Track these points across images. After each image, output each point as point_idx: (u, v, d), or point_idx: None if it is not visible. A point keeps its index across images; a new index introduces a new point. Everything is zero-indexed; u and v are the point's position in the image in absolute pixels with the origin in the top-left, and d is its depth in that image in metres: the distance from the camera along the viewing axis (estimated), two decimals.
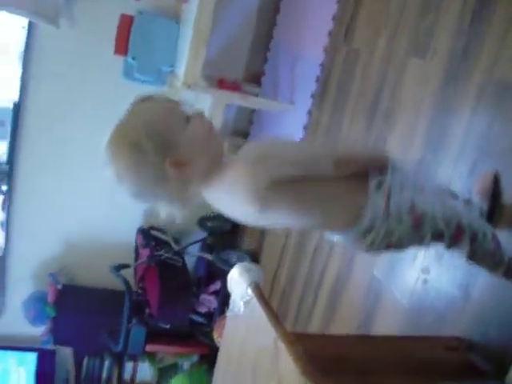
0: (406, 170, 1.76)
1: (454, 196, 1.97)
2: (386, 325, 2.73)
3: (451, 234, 1.65)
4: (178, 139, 1.46)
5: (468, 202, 2.03)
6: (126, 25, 4.18)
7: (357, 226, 1.55)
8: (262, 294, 1.52)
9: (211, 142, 1.54)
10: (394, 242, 1.60)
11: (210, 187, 1.55)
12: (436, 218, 1.61)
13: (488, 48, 2.35)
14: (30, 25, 4.26)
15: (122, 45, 4.19)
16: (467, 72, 2.44)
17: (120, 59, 4.28)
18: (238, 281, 1.59)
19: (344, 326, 3.10)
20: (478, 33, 2.42)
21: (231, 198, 1.53)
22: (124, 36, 4.18)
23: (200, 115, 1.54)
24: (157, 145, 1.43)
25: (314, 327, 3.38)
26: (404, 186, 1.60)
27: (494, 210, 2.10)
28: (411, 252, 2.58)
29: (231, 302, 1.66)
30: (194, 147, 1.49)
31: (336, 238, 1.67)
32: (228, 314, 1.71)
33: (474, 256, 1.76)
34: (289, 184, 1.46)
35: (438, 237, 1.64)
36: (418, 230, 1.60)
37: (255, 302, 1.49)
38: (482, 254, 1.78)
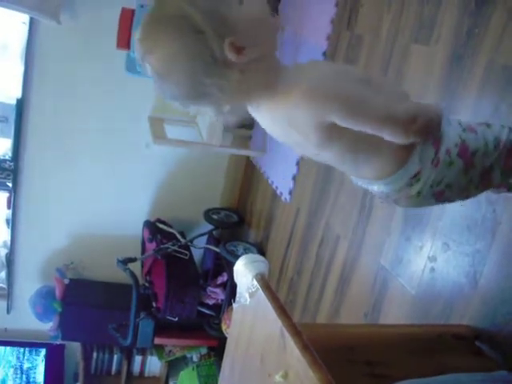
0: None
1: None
2: (393, 313, 2.72)
3: (504, 160, 1.51)
4: (233, 17, 1.25)
5: None
6: (127, 19, 4.16)
7: (403, 171, 1.42)
8: (268, 284, 1.51)
9: (270, 31, 1.36)
10: (441, 191, 1.48)
11: (262, 100, 1.36)
12: (488, 145, 1.48)
13: (493, 31, 2.33)
14: (31, 21, 4.26)
15: (124, 39, 4.18)
16: (472, 56, 2.42)
17: (122, 53, 4.28)
18: (243, 272, 1.57)
19: (352, 314, 3.10)
20: (482, 15, 2.40)
21: (288, 122, 1.35)
22: (126, 30, 4.17)
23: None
24: (213, 21, 1.22)
25: (323, 315, 3.38)
26: (451, 125, 1.49)
27: None
28: (418, 241, 2.58)
29: (238, 293, 1.65)
30: (253, 32, 1.29)
31: (377, 187, 1.51)
32: (235, 305, 1.70)
33: None
34: (352, 131, 1.31)
35: (487, 173, 1.50)
36: (469, 171, 1.47)
37: (261, 293, 1.48)
38: None
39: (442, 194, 1.50)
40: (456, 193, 1.52)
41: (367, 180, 1.51)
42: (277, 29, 1.37)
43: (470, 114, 2.40)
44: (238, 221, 4.97)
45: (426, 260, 2.50)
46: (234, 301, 1.70)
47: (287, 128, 1.37)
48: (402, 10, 3.01)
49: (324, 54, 3.76)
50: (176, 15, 1.22)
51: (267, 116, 1.39)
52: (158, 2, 1.27)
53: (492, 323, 2.12)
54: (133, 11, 4.16)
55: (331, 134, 1.33)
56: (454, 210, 2.33)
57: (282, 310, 1.40)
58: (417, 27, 2.87)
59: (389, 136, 1.32)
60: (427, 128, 1.35)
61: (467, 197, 1.57)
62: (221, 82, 1.27)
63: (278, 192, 4.23)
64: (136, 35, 1.29)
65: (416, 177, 1.43)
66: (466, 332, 2.13)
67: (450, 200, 1.55)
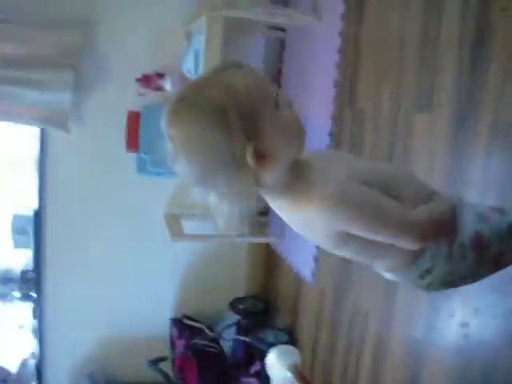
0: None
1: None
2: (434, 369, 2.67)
3: None
4: (265, 123, 1.25)
5: None
6: (133, 121, 4.26)
7: (414, 267, 1.45)
8: (303, 374, 1.50)
9: (298, 141, 1.34)
10: (453, 281, 1.51)
11: (282, 199, 1.37)
12: (501, 233, 1.47)
13: (492, 89, 2.35)
14: (42, 131, 4.36)
15: (133, 141, 4.26)
16: (475, 117, 2.44)
17: (132, 155, 4.35)
18: (276, 364, 1.56)
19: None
20: (479, 74, 2.43)
21: (304, 223, 1.38)
22: (133, 132, 4.25)
23: (290, 105, 1.33)
24: (245, 120, 1.21)
25: None
26: (466, 217, 1.48)
27: None
28: (447, 309, 2.55)
29: (271, 380, 1.64)
30: (281, 140, 1.28)
31: (391, 276, 1.56)
32: None
33: None
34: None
35: (500, 259, 1.50)
36: (483, 260, 1.47)
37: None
38: None
39: (453, 284, 1.53)
40: (468, 280, 1.54)
41: (380, 270, 1.54)
42: (305, 135, 1.35)
43: (479, 177, 2.40)
44: (264, 308, 4.93)
45: (459, 327, 2.47)
46: None
47: (303, 227, 1.40)
48: (399, 81, 3.06)
49: (330, 134, 3.80)
50: (215, 104, 1.21)
51: (284, 210, 1.41)
52: (199, 87, 1.26)
53: None
54: (138, 114, 4.25)
55: (346, 239, 1.35)
56: None
57: None
58: (417, 95, 2.91)
59: (399, 242, 1.36)
60: (439, 233, 1.39)
61: (480, 279, 1.56)
62: (232, 182, 1.27)
63: (301, 274, 4.21)
64: (167, 106, 1.27)
65: (427, 272, 1.46)
66: None
67: (461, 286, 1.56)
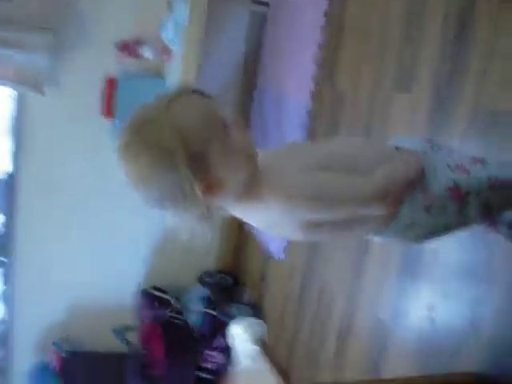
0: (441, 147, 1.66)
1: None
2: (396, 366, 2.69)
3: (495, 193, 1.51)
4: (215, 156, 1.28)
5: None
6: (110, 87, 4.21)
7: (395, 222, 1.46)
8: (268, 348, 1.49)
9: (250, 163, 1.36)
10: (442, 231, 1.52)
11: (243, 206, 1.40)
12: (482, 185, 1.48)
13: (473, 75, 2.36)
14: (18, 94, 4.30)
15: (109, 107, 4.22)
16: (454, 102, 2.44)
17: (108, 122, 4.31)
18: (241, 337, 1.56)
19: (354, 369, 3.06)
20: (460, 60, 2.43)
21: (268, 223, 1.43)
22: (109, 98, 4.21)
23: (238, 124, 1.37)
24: (193, 159, 1.24)
25: (324, 373, 3.33)
26: (441, 168, 1.50)
27: None
28: (415, 292, 2.56)
29: (236, 358, 1.63)
30: (231, 165, 1.31)
31: (380, 239, 1.59)
32: (234, 370, 1.68)
33: None
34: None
35: (484, 209, 1.51)
36: (465, 209, 1.48)
37: (260, 357, 1.46)
38: None
39: (442, 233, 1.54)
40: (455, 228, 1.54)
41: (367, 236, 1.54)
42: (256, 155, 1.37)
43: None
44: (232, 282, 4.94)
45: (425, 310, 2.48)
46: (233, 364, 1.68)
47: (270, 227, 1.45)
48: (380, 61, 3.05)
49: (307, 110, 3.79)
50: (163, 146, 1.23)
51: (245, 216, 1.44)
52: (150, 126, 1.26)
53: (497, 369, 2.10)
54: (115, 79, 4.21)
55: (314, 226, 1.38)
56: (450, 258, 2.32)
57: (284, 374, 1.38)
58: (397, 76, 2.90)
59: (371, 212, 1.40)
60: (402, 192, 1.42)
61: (469, 227, 1.57)
62: (187, 211, 1.31)
63: (271, 251, 4.21)
64: (120, 137, 1.29)
65: (412, 224, 1.47)
66: (471, 380, 2.11)
67: (454, 233, 1.56)
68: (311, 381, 3.46)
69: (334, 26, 3.59)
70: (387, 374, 2.72)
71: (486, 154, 2.22)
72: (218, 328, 4.58)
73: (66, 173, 4.57)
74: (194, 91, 1.35)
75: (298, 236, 1.44)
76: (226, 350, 4.31)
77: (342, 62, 3.48)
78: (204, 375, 4.50)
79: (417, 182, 1.45)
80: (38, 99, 4.23)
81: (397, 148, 1.56)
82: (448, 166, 1.52)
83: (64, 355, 4.71)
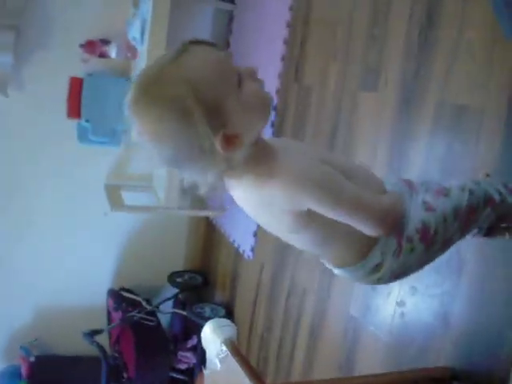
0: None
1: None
2: (368, 362, 2.69)
3: (461, 224, 1.53)
4: (230, 107, 1.22)
5: None
6: (76, 87, 4.17)
7: (363, 263, 1.45)
8: (237, 349, 1.47)
9: (265, 111, 1.32)
10: (402, 272, 1.51)
11: (246, 174, 1.32)
12: (447, 219, 1.49)
13: (438, 71, 2.38)
14: None
15: (74, 108, 4.18)
16: (420, 98, 2.46)
17: (74, 123, 4.26)
18: (211, 338, 1.54)
19: (326, 367, 3.06)
20: (426, 56, 2.45)
21: (263, 203, 1.36)
22: (75, 99, 4.17)
23: (252, 74, 1.30)
24: (208, 112, 1.17)
25: (297, 371, 3.33)
26: (415, 209, 1.50)
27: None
28: (385, 288, 2.56)
29: (207, 359, 1.61)
30: (248, 117, 1.25)
31: (338, 272, 1.55)
32: (205, 371, 1.65)
33: (498, 220, 1.67)
34: (323, 219, 1.34)
35: (448, 241, 1.53)
36: (431, 249, 1.49)
37: (231, 358, 1.44)
38: (504, 214, 1.66)
39: (403, 274, 1.53)
40: (417, 268, 1.54)
41: (329, 264, 1.53)
42: (271, 101, 1.34)
43: (423, 156, 2.42)
44: (202, 282, 4.92)
45: (395, 306, 2.49)
46: (205, 365, 1.66)
47: (262, 208, 1.38)
48: (347, 59, 3.06)
49: (275, 108, 3.78)
50: (177, 103, 1.16)
51: (242, 194, 1.38)
52: (159, 79, 1.19)
53: (468, 362, 2.11)
54: (81, 80, 4.16)
55: (305, 219, 1.34)
56: None
57: (254, 374, 1.36)
58: (363, 74, 2.91)
59: (361, 225, 1.35)
60: (396, 224, 1.41)
61: (430, 263, 1.58)
62: (204, 170, 1.25)
63: (241, 250, 4.20)
64: (129, 94, 1.22)
65: (377, 267, 1.46)
66: (442, 374, 2.12)
67: (411, 274, 1.56)
68: (284, 380, 3.46)
69: (300, 21, 3.59)
70: (360, 370, 2.72)
71: (449, 154, 2.24)
72: (190, 328, 4.57)
73: (31, 175, 4.52)
74: (204, 42, 1.28)
75: (283, 227, 1.39)
76: (200, 351, 4.30)
77: (308, 58, 3.47)
78: (178, 376, 4.48)
79: (400, 221, 1.45)
80: (1, 101, 4.17)
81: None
82: (423, 203, 1.53)
83: (32, 359, 4.65)
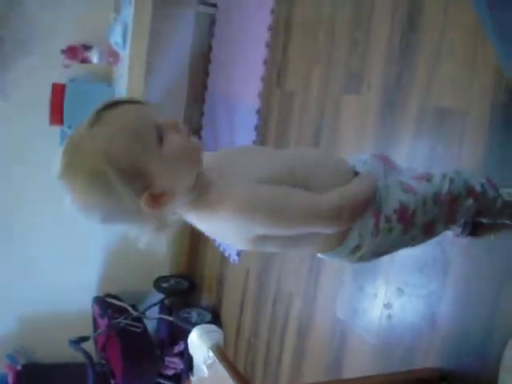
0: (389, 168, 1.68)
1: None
2: (355, 365, 2.69)
3: (445, 212, 1.55)
4: (153, 167, 1.21)
5: None
6: (58, 94, 4.13)
7: (342, 247, 1.46)
8: (225, 354, 1.46)
9: (194, 163, 1.29)
10: (383, 252, 1.54)
11: (192, 212, 1.34)
12: (427, 203, 1.51)
13: (421, 74, 2.39)
14: None
15: (57, 114, 4.15)
16: (403, 101, 2.47)
17: (57, 129, 4.23)
18: (198, 344, 1.53)
19: (314, 370, 3.05)
20: (408, 59, 2.46)
21: (216, 233, 1.41)
22: (57, 105, 4.13)
23: (174, 125, 1.27)
24: (128, 179, 1.18)
25: (285, 375, 3.33)
26: (393, 189, 1.51)
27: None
28: (371, 290, 2.56)
29: (194, 365, 1.60)
30: (173, 172, 1.24)
31: (322, 256, 1.57)
32: (193, 378, 1.64)
33: (479, 214, 1.69)
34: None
35: (429, 226, 1.54)
36: (410, 231, 1.50)
37: (218, 364, 1.43)
38: (486, 208, 1.68)
39: (384, 253, 1.56)
40: (398, 248, 1.57)
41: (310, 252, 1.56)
42: (200, 152, 1.31)
43: (407, 158, 2.42)
44: (189, 287, 4.90)
45: (382, 308, 2.49)
46: (192, 372, 1.65)
47: (219, 235, 1.43)
48: (329, 63, 3.06)
49: (257, 112, 3.78)
50: (96, 173, 1.17)
51: (195, 222, 1.38)
52: (78, 150, 1.21)
53: (456, 363, 2.11)
54: (63, 86, 4.14)
55: (263, 240, 1.35)
56: (405, 255, 2.32)
57: (242, 380, 1.35)
58: (346, 78, 2.91)
59: (318, 230, 1.38)
60: (356, 214, 1.41)
61: (412, 246, 1.60)
62: (138, 221, 1.26)
63: (226, 254, 4.20)
64: (58, 161, 1.24)
65: (357, 248, 1.48)
66: (431, 375, 2.12)
67: (394, 252, 1.59)
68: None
69: (282, 25, 3.59)
70: (348, 373, 2.72)
71: (432, 157, 2.25)
72: (177, 334, 4.56)
73: (15, 181, 4.49)
74: (120, 102, 1.25)
75: (246, 247, 1.41)
76: (187, 357, 4.28)
77: (290, 62, 3.48)
78: (165, 382, 4.47)
79: (370, 204, 1.45)
80: None
81: (354, 169, 1.55)
82: (401, 184, 1.54)
83: (19, 368, 4.62)
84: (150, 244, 1.29)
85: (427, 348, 2.24)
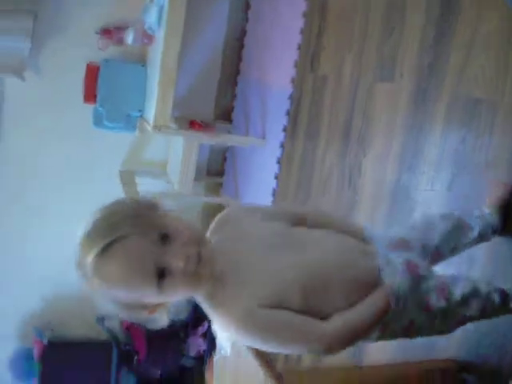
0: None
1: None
2: (376, 354, 2.69)
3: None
4: (148, 299, 1.31)
5: (481, 217, 1.98)
6: (92, 73, 4.18)
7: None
8: None
9: (193, 288, 1.35)
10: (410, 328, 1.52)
11: (202, 303, 1.43)
12: (437, 319, 1.54)
13: (454, 64, 2.37)
14: None
15: (90, 93, 4.19)
16: (435, 90, 2.46)
17: (90, 108, 4.27)
18: None
19: (335, 357, 3.05)
20: (442, 49, 2.45)
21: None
22: (91, 85, 4.18)
23: (179, 235, 1.29)
24: (128, 309, 1.33)
25: (306, 359, 3.33)
26: (407, 305, 1.48)
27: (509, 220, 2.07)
28: None
29: (218, 345, 1.63)
30: (171, 296, 1.34)
31: None
32: (216, 356, 1.67)
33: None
34: None
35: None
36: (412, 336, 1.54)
37: (241, 344, 1.45)
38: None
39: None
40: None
41: None
42: (201, 278, 1.33)
43: (437, 148, 2.42)
44: None
45: None
46: (215, 351, 1.68)
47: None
48: (363, 50, 3.05)
49: (290, 97, 3.78)
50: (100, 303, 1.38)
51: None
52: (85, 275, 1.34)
53: (476, 355, 2.11)
54: (98, 66, 4.18)
55: None
56: None
57: (264, 359, 1.37)
58: (379, 65, 2.90)
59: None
60: (355, 341, 1.41)
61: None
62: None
63: None
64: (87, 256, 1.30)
65: None
66: (450, 365, 2.13)
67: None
68: (294, 366, 3.46)
69: (317, 12, 3.58)
70: (367, 362, 2.72)
71: (462, 147, 2.24)
72: (202, 315, 4.58)
73: (45, 158, 4.53)
74: (130, 231, 1.26)
75: None
76: (211, 338, 4.31)
77: (324, 48, 3.47)
78: (188, 362, 4.50)
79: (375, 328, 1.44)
80: (17, 84, 4.19)
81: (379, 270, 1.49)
82: (420, 304, 1.51)
83: (45, 342, 4.69)
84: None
85: (447, 340, 2.23)
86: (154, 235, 1.25)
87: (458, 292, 1.56)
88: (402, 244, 1.59)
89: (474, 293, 1.60)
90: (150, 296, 1.27)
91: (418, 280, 1.50)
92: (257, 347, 1.35)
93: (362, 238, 1.57)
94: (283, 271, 1.37)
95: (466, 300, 1.57)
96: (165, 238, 1.26)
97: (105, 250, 1.24)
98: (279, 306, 1.32)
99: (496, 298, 1.65)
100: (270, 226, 1.48)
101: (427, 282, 1.52)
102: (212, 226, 1.52)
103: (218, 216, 1.55)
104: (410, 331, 1.51)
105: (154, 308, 1.33)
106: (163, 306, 1.34)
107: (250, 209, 1.58)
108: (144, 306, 1.31)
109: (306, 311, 1.34)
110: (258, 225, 1.49)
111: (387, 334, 1.47)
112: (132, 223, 1.25)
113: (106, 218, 1.30)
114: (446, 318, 1.56)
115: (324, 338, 1.34)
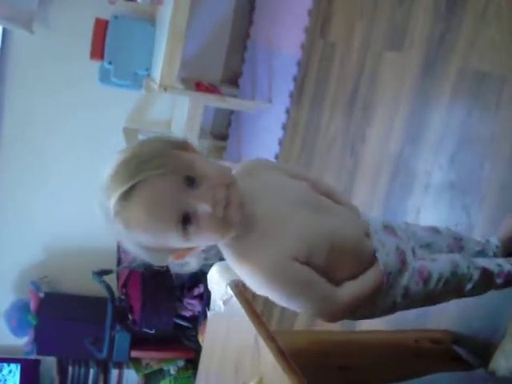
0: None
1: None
2: (369, 325, 2.70)
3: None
4: (174, 244, 1.25)
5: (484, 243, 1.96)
6: (101, 29, 4.15)
7: None
8: (242, 291, 1.49)
9: (221, 234, 1.27)
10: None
11: (224, 248, 1.37)
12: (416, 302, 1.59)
13: (464, 36, 2.36)
14: (4, 31, 4.23)
15: (98, 49, 4.17)
16: (444, 62, 2.44)
17: (96, 64, 4.25)
18: (217, 279, 1.56)
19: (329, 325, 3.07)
20: (453, 20, 2.43)
21: (239, 273, 1.39)
22: (99, 40, 4.15)
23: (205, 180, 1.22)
24: (152, 252, 1.27)
25: (300, 324, 3.35)
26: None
27: None
28: None
29: (212, 300, 1.64)
30: (198, 242, 1.27)
31: None
32: (209, 313, 1.68)
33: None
34: None
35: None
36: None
37: (235, 300, 1.46)
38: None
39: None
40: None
41: None
42: (231, 224, 1.26)
43: (443, 120, 2.41)
44: None
45: None
46: (209, 307, 1.69)
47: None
48: (373, 18, 3.03)
49: (298, 62, 3.76)
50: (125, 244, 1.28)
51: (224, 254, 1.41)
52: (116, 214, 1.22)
53: (469, 328, 2.12)
54: (106, 22, 4.15)
55: None
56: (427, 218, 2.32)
57: (256, 316, 1.38)
58: (389, 34, 2.89)
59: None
60: (356, 310, 1.46)
61: None
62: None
63: None
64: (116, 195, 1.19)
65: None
66: (443, 337, 2.14)
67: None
68: (287, 327, 3.49)
69: None
70: (359, 328, 2.73)
71: (469, 120, 2.24)
72: (198, 276, 4.61)
73: (50, 113, 4.53)
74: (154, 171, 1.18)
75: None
76: (206, 298, 4.33)
77: (335, 14, 3.45)
78: (182, 322, 4.53)
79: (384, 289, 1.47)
80: (26, 37, 4.17)
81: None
82: (411, 276, 1.54)
83: (42, 295, 4.73)
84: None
85: (441, 311, 2.24)
86: (180, 177, 1.18)
87: (436, 275, 1.56)
88: (391, 232, 1.60)
89: (453, 274, 1.60)
90: (175, 242, 1.22)
91: (403, 266, 1.52)
92: (273, 299, 1.34)
93: (358, 217, 1.57)
94: (315, 227, 1.37)
95: (445, 282, 1.58)
96: (191, 180, 1.19)
97: (127, 194, 1.16)
98: (307, 261, 1.32)
99: (475, 275, 1.65)
100: (299, 184, 1.47)
101: (410, 268, 1.53)
102: (239, 170, 1.45)
103: (246, 162, 1.51)
104: (392, 311, 1.56)
105: (181, 253, 1.29)
106: (192, 252, 1.30)
107: (277, 164, 1.57)
108: (170, 251, 1.27)
109: (325, 272, 1.35)
110: (286, 179, 1.48)
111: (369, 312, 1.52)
112: (156, 165, 1.17)
113: (129, 159, 1.21)
114: (427, 300, 1.60)
115: (339, 303, 1.37)
